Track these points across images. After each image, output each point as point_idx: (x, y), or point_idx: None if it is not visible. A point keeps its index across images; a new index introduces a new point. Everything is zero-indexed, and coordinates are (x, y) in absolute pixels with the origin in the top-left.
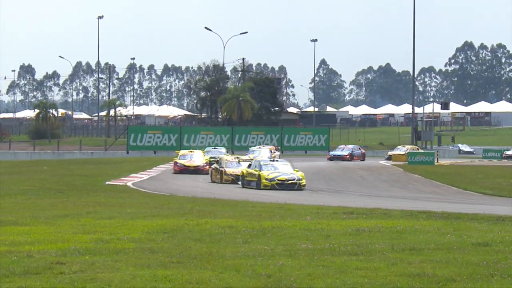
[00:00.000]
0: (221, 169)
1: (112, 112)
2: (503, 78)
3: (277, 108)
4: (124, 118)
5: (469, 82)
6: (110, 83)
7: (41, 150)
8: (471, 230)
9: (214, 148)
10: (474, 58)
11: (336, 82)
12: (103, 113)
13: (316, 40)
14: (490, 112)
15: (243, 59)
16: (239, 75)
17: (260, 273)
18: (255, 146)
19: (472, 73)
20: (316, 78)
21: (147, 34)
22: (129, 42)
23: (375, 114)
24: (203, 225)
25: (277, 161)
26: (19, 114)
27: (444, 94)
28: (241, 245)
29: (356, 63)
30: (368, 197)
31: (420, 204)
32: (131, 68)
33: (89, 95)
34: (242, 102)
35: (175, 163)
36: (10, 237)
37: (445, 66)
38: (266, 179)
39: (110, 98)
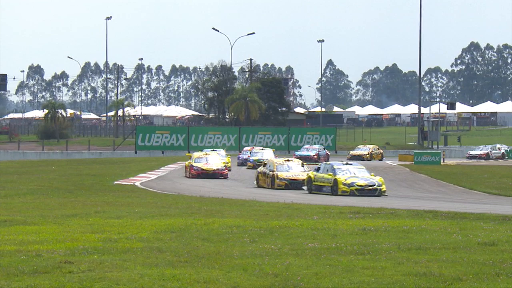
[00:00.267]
0: (271, 172)
1: (120, 112)
2: (509, 78)
3: (284, 108)
4: (132, 118)
5: (475, 82)
6: (118, 84)
7: (49, 150)
8: (477, 229)
9: (213, 150)
10: (480, 59)
11: (342, 82)
12: (112, 113)
13: (323, 40)
14: (496, 112)
15: (251, 59)
16: (247, 76)
17: (267, 272)
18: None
19: (478, 73)
20: (323, 79)
21: (155, 35)
22: (137, 42)
23: (382, 114)
24: (211, 225)
25: (350, 164)
26: (28, 114)
27: (450, 95)
28: (248, 245)
29: (362, 64)
30: (374, 196)
31: (426, 204)
32: (139, 68)
33: (98, 95)
34: (250, 102)
35: (191, 166)
36: (19, 236)
37: (451, 66)
38: (344, 184)
39: (118, 98)
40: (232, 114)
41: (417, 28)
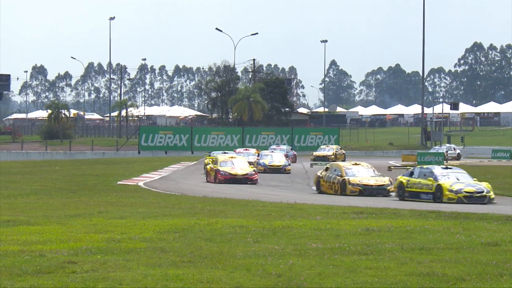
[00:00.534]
0: (339, 178)
1: (123, 113)
2: None
3: (287, 109)
4: (136, 118)
5: (478, 82)
6: (122, 84)
7: (53, 150)
8: (480, 229)
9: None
10: (483, 59)
11: (346, 82)
12: (115, 114)
13: (326, 41)
14: (499, 113)
15: (254, 59)
16: (250, 76)
17: (271, 272)
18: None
19: (481, 73)
20: (326, 79)
21: (158, 35)
22: (141, 43)
23: (385, 115)
24: (214, 225)
25: (450, 168)
26: (32, 115)
27: (454, 95)
28: (251, 245)
29: (365, 64)
30: (377, 197)
31: (429, 204)
32: (143, 68)
33: (101, 95)
34: (253, 102)
35: (217, 171)
36: (23, 236)
37: (455, 66)
38: (451, 191)
39: (122, 98)
40: (235, 114)
41: (420, 28)
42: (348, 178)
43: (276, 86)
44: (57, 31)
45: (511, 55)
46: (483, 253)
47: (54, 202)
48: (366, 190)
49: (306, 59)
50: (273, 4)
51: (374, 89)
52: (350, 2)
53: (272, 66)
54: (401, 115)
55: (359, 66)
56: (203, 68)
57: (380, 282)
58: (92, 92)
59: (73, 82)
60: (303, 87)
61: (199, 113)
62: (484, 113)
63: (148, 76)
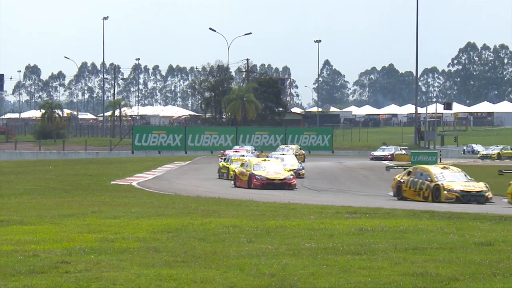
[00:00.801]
0: (429, 183)
1: (117, 112)
2: (505, 78)
3: (281, 109)
4: (129, 118)
5: (471, 82)
6: (115, 84)
7: (46, 150)
8: (473, 229)
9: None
10: (476, 59)
11: (339, 82)
12: (108, 113)
13: (320, 41)
14: (492, 113)
15: (247, 59)
16: (243, 76)
17: (264, 272)
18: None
19: (474, 73)
20: (320, 79)
21: (151, 35)
22: (134, 42)
23: (378, 114)
24: (208, 225)
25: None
26: (25, 115)
27: (447, 95)
28: (245, 245)
29: (359, 64)
30: (371, 196)
31: (423, 204)
32: (136, 68)
33: (94, 95)
34: (246, 102)
35: (252, 175)
36: (16, 236)
37: (448, 66)
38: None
39: (115, 98)
40: (229, 114)
41: (414, 28)
42: (442, 184)
43: (269, 86)
44: (51, 30)
45: (505, 55)
46: (476, 253)
47: (48, 202)
48: (464, 197)
49: (300, 59)
50: (267, 4)
51: (367, 89)
52: (344, 2)
53: (266, 66)
54: (395, 115)
55: (353, 66)
56: (196, 68)
57: (374, 282)
58: (86, 92)
59: (66, 81)
60: (296, 87)
61: (192, 113)
62: (477, 113)
63: (141, 76)
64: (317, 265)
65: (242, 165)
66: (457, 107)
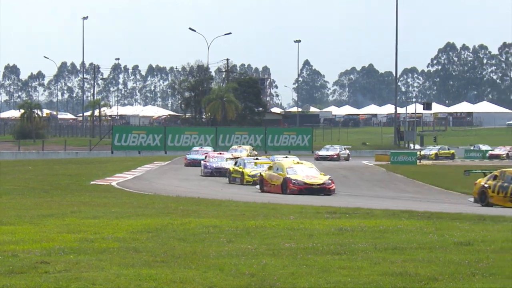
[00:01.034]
0: None
1: (96, 112)
2: (484, 78)
3: (260, 109)
4: (109, 118)
5: (451, 82)
6: (95, 83)
7: (26, 150)
8: (453, 229)
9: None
10: (456, 59)
11: (319, 82)
12: (88, 113)
13: (299, 41)
14: (472, 113)
15: (227, 59)
16: (223, 76)
17: (244, 272)
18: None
19: (454, 73)
20: (300, 79)
21: (131, 35)
22: (114, 42)
23: (358, 115)
24: (187, 225)
25: None
26: (4, 114)
27: (427, 95)
28: (225, 245)
29: (339, 64)
30: (351, 196)
31: (403, 204)
32: (116, 68)
33: (74, 95)
34: (226, 102)
35: (289, 179)
36: None
37: (428, 66)
38: None
39: (95, 98)
40: (209, 114)
41: (393, 28)
42: None
43: (249, 86)
44: (30, 30)
45: (484, 56)
46: (455, 252)
47: (27, 202)
48: None
49: (280, 59)
50: (247, 4)
51: (347, 89)
52: (323, 2)
53: (246, 66)
54: (374, 115)
55: (333, 66)
56: (176, 68)
57: (353, 282)
58: (65, 91)
59: (46, 81)
60: (276, 87)
61: (172, 113)
62: (456, 113)
63: (121, 76)
64: (297, 265)
65: (270, 168)
66: (437, 107)
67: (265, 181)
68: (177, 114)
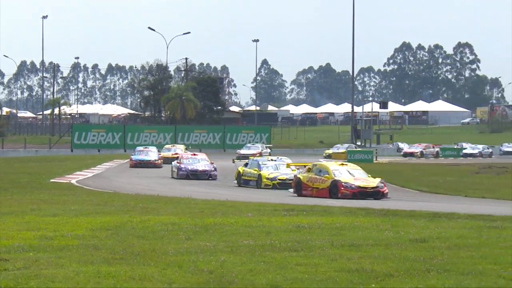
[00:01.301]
0: None
1: (56, 111)
2: (439, 78)
3: (219, 107)
4: (69, 116)
5: (407, 82)
6: (55, 82)
7: None
8: (408, 226)
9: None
10: (412, 59)
11: (277, 81)
12: (48, 112)
13: (257, 40)
14: (427, 111)
15: (186, 58)
16: (182, 75)
17: (202, 269)
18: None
19: (410, 73)
20: (258, 78)
21: (91, 34)
22: (73, 41)
23: (316, 113)
24: (146, 222)
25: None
26: None
27: (383, 94)
28: (183, 242)
29: (297, 63)
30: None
31: (359, 202)
32: (76, 67)
33: (34, 94)
34: (185, 101)
35: (338, 182)
36: None
37: (384, 66)
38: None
39: (55, 97)
40: (168, 112)
41: (350, 28)
42: None
43: (208, 85)
44: None
45: (439, 55)
46: (411, 249)
47: None
48: None
49: (238, 58)
50: (205, 3)
51: (305, 88)
52: (281, 1)
53: (205, 65)
54: (332, 114)
55: (290, 65)
56: (136, 67)
57: (311, 278)
58: (25, 90)
59: (5, 80)
60: (235, 85)
61: (132, 112)
62: (412, 111)
63: (81, 75)
64: (255, 261)
65: (309, 170)
66: (393, 106)
67: (304, 184)
68: (136, 112)
